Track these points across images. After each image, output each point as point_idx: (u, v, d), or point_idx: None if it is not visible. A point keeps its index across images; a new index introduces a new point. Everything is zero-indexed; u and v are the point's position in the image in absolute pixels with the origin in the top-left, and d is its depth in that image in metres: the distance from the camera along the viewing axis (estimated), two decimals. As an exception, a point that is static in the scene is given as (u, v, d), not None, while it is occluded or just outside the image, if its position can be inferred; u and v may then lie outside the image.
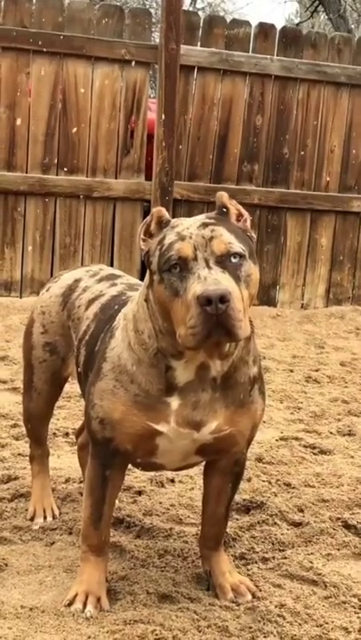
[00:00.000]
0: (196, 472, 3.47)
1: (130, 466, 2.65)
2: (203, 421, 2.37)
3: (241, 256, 2.19)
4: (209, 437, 2.40)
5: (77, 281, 2.98)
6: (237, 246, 2.19)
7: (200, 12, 8.29)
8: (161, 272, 2.20)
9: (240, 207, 2.36)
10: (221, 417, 2.39)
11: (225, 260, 2.17)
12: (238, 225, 2.30)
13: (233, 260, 2.18)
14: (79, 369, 2.78)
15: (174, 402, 2.35)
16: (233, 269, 2.16)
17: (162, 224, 2.30)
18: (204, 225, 2.22)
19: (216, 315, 2.08)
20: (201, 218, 2.28)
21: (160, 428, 2.37)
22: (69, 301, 2.93)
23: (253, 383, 2.45)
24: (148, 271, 2.34)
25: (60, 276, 3.10)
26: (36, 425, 3.15)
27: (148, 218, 2.33)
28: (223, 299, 2.07)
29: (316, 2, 16.80)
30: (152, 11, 9.60)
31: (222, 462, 2.56)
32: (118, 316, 2.52)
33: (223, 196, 2.34)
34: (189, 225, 2.24)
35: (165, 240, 2.23)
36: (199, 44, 7.16)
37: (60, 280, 3.05)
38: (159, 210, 2.31)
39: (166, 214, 2.31)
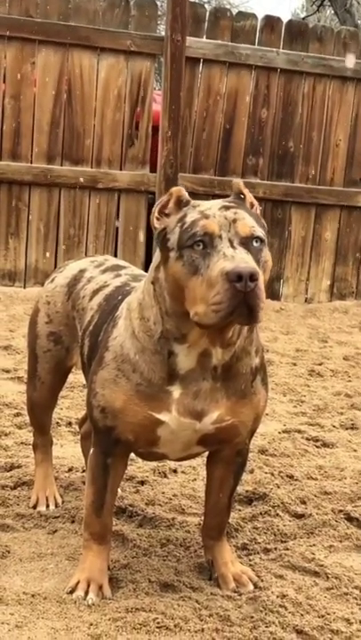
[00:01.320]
0: (199, 463, 3.47)
1: (133, 455, 2.65)
2: (204, 411, 2.37)
3: (262, 241, 2.21)
4: (211, 427, 2.40)
5: (82, 271, 2.98)
6: (259, 231, 2.21)
7: (207, 6, 8.26)
8: (181, 248, 2.19)
9: (252, 196, 2.37)
10: (223, 407, 2.39)
11: (248, 243, 2.18)
12: (254, 212, 2.31)
13: (255, 244, 2.19)
14: (83, 359, 2.78)
15: (176, 391, 2.35)
16: (255, 253, 2.17)
17: (181, 203, 2.28)
18: (226, 207, 2.23)
19: (244, 292, 2.08)
20: (220, 201, 2.28)
21: (162, 417, 2.36)
22: (74, 292, 2.92)
23: (256, 374, 2.45)
24: (158, 251, 2.33)
25: (66, 266, 3.09)
26: (40, 414, 3.15)
27: (164, 197, 2.32)
28: (253, 277, 2.08)
29: (323, -4, 16.76)
30: (158, 2, 9.58)
31: (225, 452, 2.56)
32: (121, 305, 2.52)
33: (240, 184, 2.35)
34: (210, 206, 2.24)
35: (187, 218, 2.22)
36: (205, 36, 7.14)
37: (65, 270, 3.05)
38: (179, 189, 2.30)
39: (186, 194, 2.30)
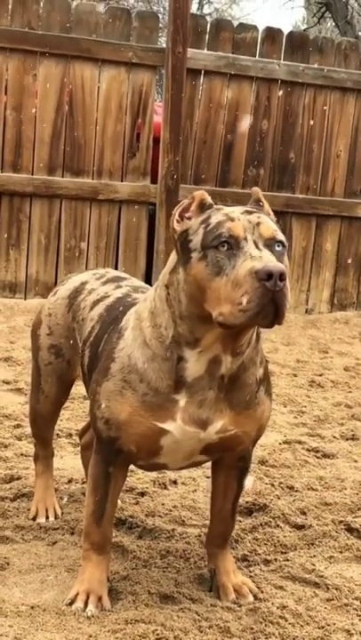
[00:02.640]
0: (199, 474, 3.47)
1: (133, 467, 2.64)
2: (209, 420, 2.37)
3: (284, 246, 2.23)
4: (215, 437, 2.40)
5: (84, 283, 2.99)
6: (281, 235, 2.24)
7: (208, 18, 8.28)
8: (205, 249, 2.19)
9: (268, 206, 2.40)
10: (227, 417, 2.39)
11: (272, 245, 2.20)
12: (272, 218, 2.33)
13: (277, 247, 2.21)
14: (84, 369, 2.78)
15: (182, 399, 2.34)
16: (277, 257, 2.19)
17: (204, 206, 2.29)
18: (248, 212, 2.25)
19: (273, 291, 2.09)
20: (241, 207, 2.30)
21: (166, 426, 2.36)
22: (75, 303, 2.93)
23: (260, 385, 2.45)
24: (174, 255, 2.33)
25: (68, 279, 3.11)
26: (42, 426, 3.15)
27: (186, 200, 2.32)
28: (282, 276, 2.09)
29: (323, 8, 16.82)
30: (159, 14, 9.61)
31: (227, 459, 2.56)
32: (126, 317, 2.51)
33: (259, 192, 2.40)
34: (233, 210, 2.26)
35: (212, 219, 2.23)
36: (206, 47, 7.16)
37: (67, 283, 3.06)
38: (202, 193, 2.31)
39: (209, 198, 2.31)
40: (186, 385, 2.34)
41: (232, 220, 2.21)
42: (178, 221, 2.31)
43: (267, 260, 2.12)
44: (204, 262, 2.19)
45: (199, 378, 2.33)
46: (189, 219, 2.29)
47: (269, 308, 2.11)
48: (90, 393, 2.57)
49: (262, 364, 2.46)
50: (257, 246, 2.17)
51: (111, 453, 2.46)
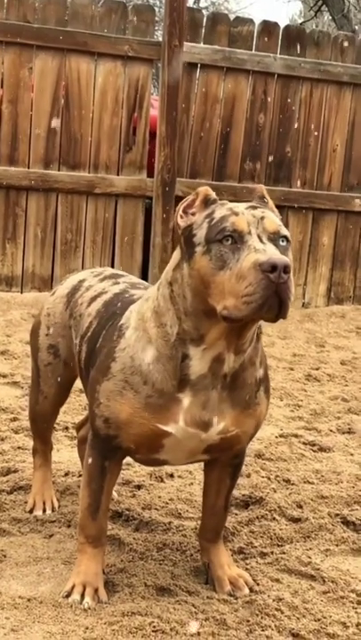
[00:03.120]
0: (196, 467, 3.47)
1: (130, 460, 2.65)
2: (211, 421, 2.37)
3: (288, 240, 2.23)
4: (216, 438, 2.40)
5: (82, 281, 2.99)
6: (285, 230, 2.24)
7: (204, 11, 8.26)
8: (209, 243, 2.20)
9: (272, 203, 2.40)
10: (228, 417, 2.39)
11: (276, 240, 2.20)
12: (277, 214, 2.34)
13: (281, 242, 2.21)
14: (81, 364, 2.78)
15: (186, 399, 2.34)
16: (281, 251, 2.18)
17: (208, 202, 2.30)
18: (253, 207, 2.26)
19: (277, 283, 2.09)
20: (245, 203, 2.30)
21: (168, 428, 2.36)
22: (72, 300, 2.94)
23: (259, 384, 2.46)
24: (177, 252, 2.33)
25: (67, 278, 3.12)
26: (42, 425, 3.15)
27: (190, 196, 2.33)
28: (286, 268, 2.10)
29: (320, 1, 16.80)
30: (155, 7, 9.60)
31: (223, 456, 2.56)
32: (126, 314, 2.50)
33: (263, 188, 2.39)
34: (238, 205, 2.27)
35: (216, 214, 2.23)
36: (202, 41, 7.15)
37: (65, 282, 3.08)
38: (206, 188, 2.32)
39: (213, 193, 2.31)
40: (190, 384, 2.33)
41: (236, 214, 2.21)
42: (182, 217, 2.31)
43: (271, 252, 2.12)
44: (208, 256, 2.19)
45: (203, 376, 2.33)
46: (193, 214, 2.30)
47: (273, 300, 2.11)
48: (89, 390, 2.56)
49: (262, 365, 2.47)
50: (261, 240, 2.17)
51: (108, 449, 2.46)
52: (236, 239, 2.17)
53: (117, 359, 2.41)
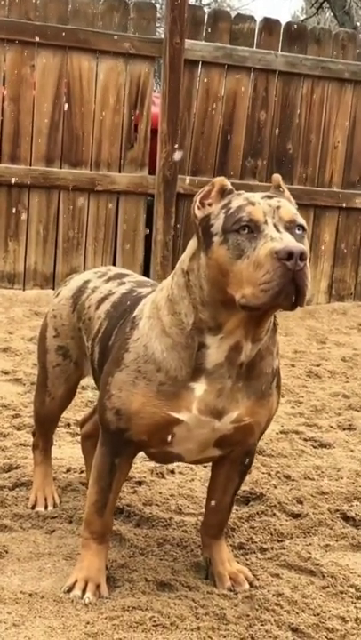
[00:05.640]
0: (198, 464, 3.49)
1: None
2: (225, 409, 2.38)
3: (304, 230, 2.25)
4: (230, 427, 2.41)
5: (86, 282, 3.00)
6: (301, 219, 2.26)
7: (206, 8, 8.26)
8: (226, 232, 2.21)
9: (289, 192, 2.42)
10: (243, 407, 2.40)
11: (292, 228, 2.22)
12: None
13: (297, 231, 2.23)
14: (94, 365, 2.79)
15: (200, 387, 2.35)
16: (298, 239, 2.20)
17: (224, 192, 2.31)
18: (269, 197, 2.28)
19: (294, 271, 2.11)
20: (261, 193, 2.32)
21: (180, 416, 2.37)
22: (79, 303, 2.94)
23: (274, 375, 2.47)
24: (194, 241, 2.35)
25: (71, 279, 3.12)
26: (46, 425, 3.18)
27: (206, 186, 2.34)
28: (303, 256, 2.12)
29: (322, -2, 16.80)
30: (157, 5, 9.60)
31: (234, 452, 2.56)
32: (139, 306, 2.52)
33: (279, 178, 2.41)
34: (254, 195, 2.28)
35: (233, 204, 2.25)
36: (204, 38, 7.16)
37: (70, 283, 3.08)
38: (222, 179, 2.34)
39: (229, 183, 2.33)
40: (205, 372, 2.34)
41: (252, 204, 2.23)
42: (199, 208, 2.33)
43: (287, 240, 2.14)
44: (225, 246, 2.21)
45: (219, 365, 2.34)
46: (210, 205, 2.31)
47: (290, 287, 2.13)
48: (101, 384, 2.56)
49: (278, 356, 2.48)
50: (277, 229, 2.19)
51: (119, 445, 2.47)
52: (253, 228, 2.19)
53: (131, 349, 2.42)
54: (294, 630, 2.36)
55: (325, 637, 2.34)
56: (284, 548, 2.85)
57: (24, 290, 6.87)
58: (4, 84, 6.72)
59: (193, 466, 3.52)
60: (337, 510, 3.16)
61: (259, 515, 3.10)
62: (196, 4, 18.17)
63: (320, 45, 7.54)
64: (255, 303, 2.17)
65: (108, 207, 7.05)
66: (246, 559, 2.77)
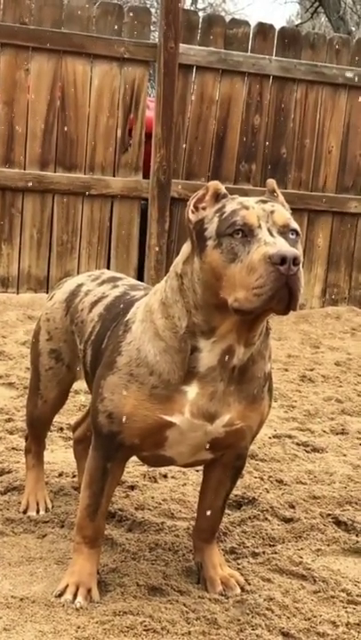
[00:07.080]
0: (189, 467, 3.49)
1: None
2: (217, 413, 2.38)
3: (298, 234, 2.26)
4: (221, 430, 2.41)
5: (80, 286, 3.00)
6: (295, 223, 2.27)
7: (201, 13, 8.28)
8: (220, 236, 2.22)
9: (282, 197, 2.43)
10: (234, 410, 2.40)
11: (286, 233, 2.23)
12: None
13: (291, 235, 2.24)
14: (86, 368, 2.79)
15: (192, 391, 2.36)
16: (292, 244, 2.21)
17: (218, 196, 2.32)
18: (263, 201, 2.29)
19: (287, 275, 2.12)
20: (255, 197, 2.33)
21: (172, 419, 2.37)
22: (72, 306, 2.94)
23: (267, 380, 2.48)
24: (187, 245, 2.35)
25: (64, 282, 3.12)
26: (40, 428, 3.17)
27: (200, 190, 2.35)
28: (296, 260, 2.13)
29: (316, 3, 16.83)
30: (152, 9, 9.61)
31: (225, 456, 2.57)
32: (132, 310, 2.52)
33: (273, 183, 2.43)
34: (248, 199, 2.29)
35: (227, 208, 2.26)
36: (198, 43, 7.17)
37: (63, 286, 3.08)
38: (216, 183, 2.35)
39: (223, 188, 2.34)
40: (198, 376, 2.35)
41: (246, 208, 2.24)
42: (193, 211, 2.33)
43: (281, 245, 2.15)
44: (219, 250, 2.22)
45: (212, 368, 2.35)
46: (204, 208, 2.32)
47: (283, 292, 2.14)
48: (93, 388, 2.56)
49: (270, 360, 2.49)
50: (271, 233, 2.20)
51: (111, 449, 2.47)
52: (247, 233, 2.19)
53: (123, 353, 2.43)
54: (285, 635, 2.36)
55: (316, 642, 2.35)
56: (275, 553, 2.85)
57: (18, 293, 6.86)
58: (-2, 88, 6.72)
59: (185, 470, 3.52)
60: (329, 515, 3.16)
61: (251, 519, 3.10)
62: (192, 8, 18.19)
63: (314, 50, 7.56)
64: (248, 307, 2.17)
65: (102, 211, 7.05)
66: (238, 563, 2.78)
